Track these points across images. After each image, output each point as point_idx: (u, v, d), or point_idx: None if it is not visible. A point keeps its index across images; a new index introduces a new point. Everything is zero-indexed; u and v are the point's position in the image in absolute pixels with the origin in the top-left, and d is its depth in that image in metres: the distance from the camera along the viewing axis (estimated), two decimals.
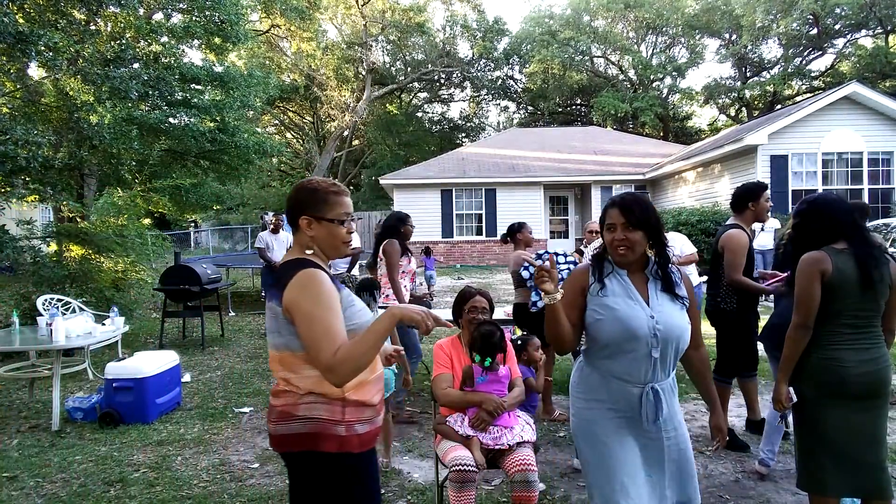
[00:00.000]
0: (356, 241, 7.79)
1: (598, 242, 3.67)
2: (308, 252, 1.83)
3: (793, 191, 13.06)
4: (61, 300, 6.76)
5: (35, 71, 10.11)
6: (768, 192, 3.96)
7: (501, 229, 18.37)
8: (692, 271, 5.95)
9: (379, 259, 5.09)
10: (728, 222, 3.99)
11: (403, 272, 4.99)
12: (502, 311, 5.41)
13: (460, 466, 2.63)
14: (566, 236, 19.86)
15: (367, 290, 4.38)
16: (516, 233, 5.07)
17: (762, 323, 3.90)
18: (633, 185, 18.89)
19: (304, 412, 1.73)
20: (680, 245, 5.92)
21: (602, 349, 2.02)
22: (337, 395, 1.73)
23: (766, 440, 3.56)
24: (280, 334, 1.73)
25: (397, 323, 1.71)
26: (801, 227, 2.57)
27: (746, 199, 3.92)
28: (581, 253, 5.77)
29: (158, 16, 11.35)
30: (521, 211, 18.69)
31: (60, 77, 8.62)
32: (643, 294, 2.03)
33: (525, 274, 4.60)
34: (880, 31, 26.01)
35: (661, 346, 1.95)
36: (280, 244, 8.64)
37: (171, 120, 10.58)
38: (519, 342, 3.53)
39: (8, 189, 7.86)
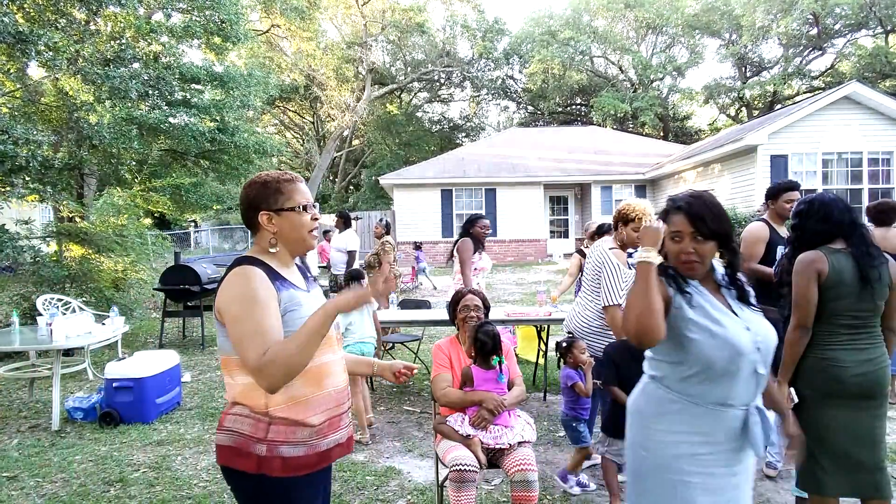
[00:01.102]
0: (354, 242, 7.82)
1: (606, 243, 3.58)
2: (272, 251, 1.69)
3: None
4: (61, 300, 6.76)
5: (35, 71, 10.11)
6: (794, 193, 3.83)
7: (501, 229, 18.44)
8: None
9: (453, 257, 5.52)
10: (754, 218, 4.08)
11: (476, 269, 5.31)
12: (502, 312, 5.41)
13: (460, 466, 2.63)
14: (566, 236, 19.87)
15: (355, 279, 5.01)
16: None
17: None
18: (633, 184, 18.89)
19: (229, 423, 1.62)
20: None
21: (693, 373, 1.72)
22: (260, 410, 1.58)
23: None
24: (222, 336, 1.62)
25: (336, 314, 1.58)
26: (800, 228, 2.57)
27: (768, 197, 3.97)
28: (582, 253, 5.77)
29: (158, 16, 11.34)
30: (520, 211, 18.70)
31: (60, 77, 8.61)
32: (724, 303, 1.79)
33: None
34: (880, 31, 26.00)
35: (763, 360, 1.72)
36: None
37: (170, 120, 10.57)
38: (564, 344, 3.46)
39: (7, 189, 7.86)
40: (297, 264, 1.83)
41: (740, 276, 1.85)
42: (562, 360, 3.49)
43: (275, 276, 1.62)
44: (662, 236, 1.73)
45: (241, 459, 1.58)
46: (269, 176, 1.71)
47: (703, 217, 1.74)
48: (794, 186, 3.91)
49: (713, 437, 1.71)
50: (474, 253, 5.33)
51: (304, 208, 1.69)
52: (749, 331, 1.71)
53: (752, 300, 1.82)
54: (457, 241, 5.49)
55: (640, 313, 1.65)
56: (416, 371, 2.04)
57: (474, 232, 5.41)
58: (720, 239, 1.77)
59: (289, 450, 1.58)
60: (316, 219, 1.73)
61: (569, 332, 3.56)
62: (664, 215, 1.84)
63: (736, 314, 1.76)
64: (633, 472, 1.86)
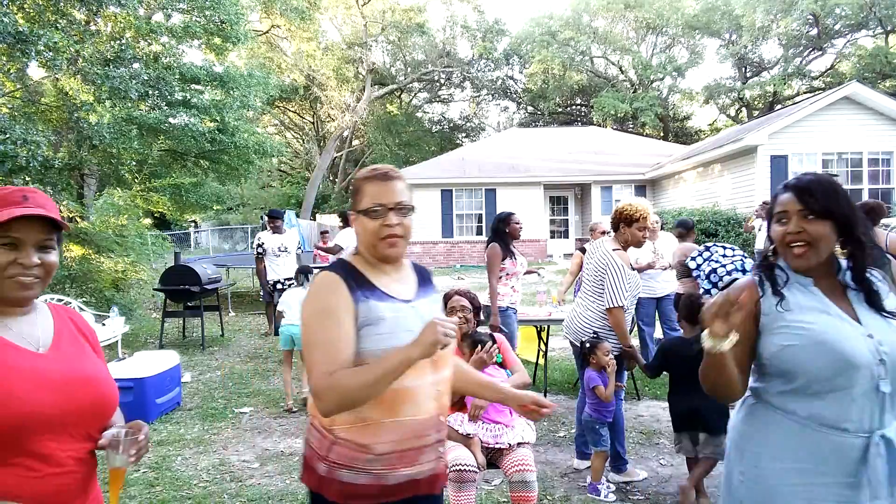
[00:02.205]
0: (345, 241, 7.79)
1: (608, 244, 3.53)
2: (364, 253, 1.55)
3: None
4: (61, 300, 6.75)
5: (35, 71, 10.11)
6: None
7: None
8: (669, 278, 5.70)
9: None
10: None
11: (508, 274, 4.95)
12: None
13: (460, 466, 2.63)
14: (566, 236, 19.87)
15: (304, 273, 5.29)
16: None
17: None
18: (633, 184, 18.88)
19: (307, 432, 1.54)
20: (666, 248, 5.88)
21: (797, 387, 1.46)
22: (325, 425, 1.46)
23: None
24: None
25: (417, 360, 1.37)
26: None
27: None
28: (584, 251, 5.77)
29: (158, 16, 11.35)
30: (521, 211, 18.61)
31: (60, 77, 8.62)
32: (845, 308, 1.50)
33: (692, 265, 4.59)
34: (880, 31, 26.01)
35: (890, 377, 1.41)
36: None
37: (170, 120, 10.58)
38: (588, 345, 3.40)
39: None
40: (416, 268, 1.67)
41: (872, 274, 1.54)
42: (583, 361, 3.46)
43: (360, 285, 1.46)
44: (734, 311, 1.41)
45: (306, 473, 1.50)
46: (363, 171, 1.56)
47: (811, 191, 1.48)
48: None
49: (822, 468, 1.43)
50: (504, 259, 4.93)
51: (376, 213, 1.47)
52: (871, 339, 1.43)
53: (888, 305, 1.51)
54: (489, 242, 5.11)
55: (716, 387, 1.53)
56: (550, 410, 1.68)
57: (510, 230, 5.02)
58: (837, 221, 1.48)
59: (349, 475, 1.42)
60: (388, 225, 1.48)
61: (594, 334, 3.46)
62: (773, 201, 1.58)
63: (858, 321, 1.47)
64: (728, 499, 1.63)
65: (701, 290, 4.51)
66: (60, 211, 9.43)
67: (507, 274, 4.95)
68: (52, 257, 1.29)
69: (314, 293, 1.47)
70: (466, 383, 1.78)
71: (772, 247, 1.59)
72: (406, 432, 1.44)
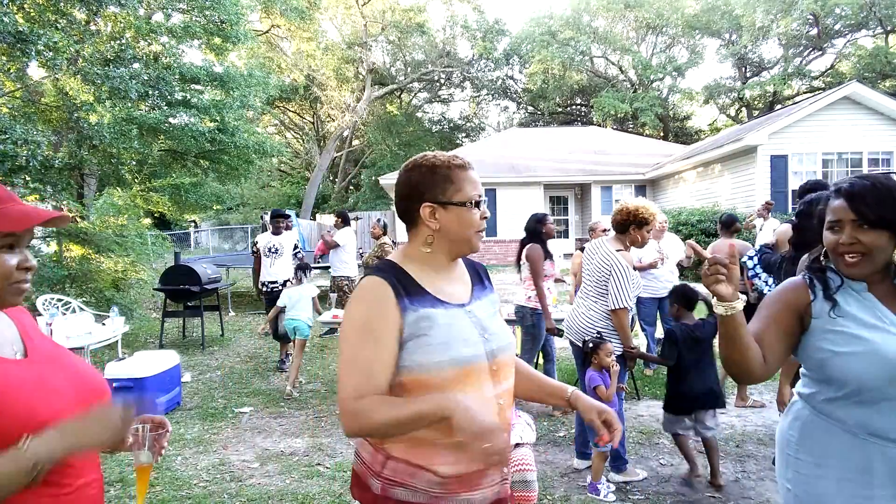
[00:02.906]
0: (344, 239, 7.79)
1: (611, 244, 3.54)
2: (426, 251, 1.42)
3: (793, 191, 13.04)
4: (61, 300, 6.76)
5: (35, 71, 10.12)
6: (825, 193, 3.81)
7: (501, 229, 18.42)
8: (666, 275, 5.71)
9: (521, 263, 4.97)
10: None
11: (546, 276, 4.85)
12: (504, 312, 5.39)
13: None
14: (566, 236, 19.87)
15: (302, 270, 5.57)
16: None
17: None
18: (633, 184, 18.89)
19: (358, 445, 1.42)
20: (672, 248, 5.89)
21: (846, 394, 1.42)
22: (377, 441, 1.35)
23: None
24: None
25: (445, 417, 1.23)
26: (801, 228, 2.57)
27: (800, 196, 4.00)
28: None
29: (158, 16, 11.35)
30: (521, 211, 18.68)
31: (60, 77, 8.62)
32: None
33: (749, 263, 4.60)
34: (880, 31, 26.02)
35: None
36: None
37: (170, 120, 10.59)
38: (591, 345, 3.40)
39: (8, 189, 7.86)
40: (471, 265, 1.55)
41: None
42: (585, 361, 3.48)
43: (409, 291, 1.34)
44: (728, 280, 1.41)
45: (358, 490, 1.38)
46: (438, 159, 1.42)
47: (865, 199, 1.40)
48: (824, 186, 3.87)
49: (871, 479, 1.37)
50: (545, 260, 4.80)
51: (477, 204, 1.40)
52: None
53: None
54: (524, 242, 4.96)
55: (732, 362, 1.47)
56: (614, 435, 1.42)
57: (546, 230, 4.90)
58: (894, 229, 1.40)
59: (405, 494, 1.30)
60: (485, 217, 1.44)
61: (597, 334, 3.47)
62: (824, 205, 1.52)
63: None
64: None
65: (756, 289, 4.55)
66: (61, 211, 9.44)
67: (546, 275, 4.85)
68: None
69: (357, 301, 1.34)
70: (530, 388, 1.59)
71: (823, 251, 1.53)
72: (465, 455, 1.26)
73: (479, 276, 1.53)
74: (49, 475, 1.04)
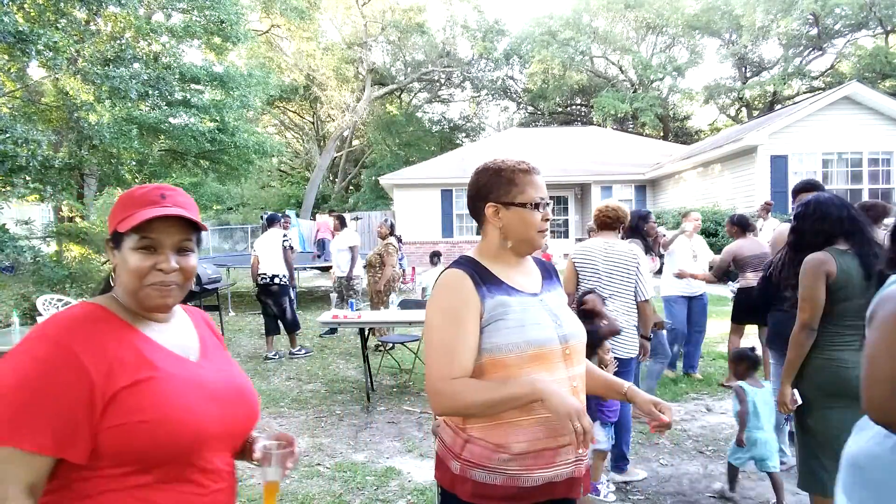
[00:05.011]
0: (355, 239, 7.81)
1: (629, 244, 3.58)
2: (494, 246, 1.54)
3: (792, 191, 13.05)
4: (61, 300, 6.75)
5: (35, 71, 10.12)
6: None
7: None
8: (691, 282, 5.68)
9: None
10: None
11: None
12: None
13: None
14: (566, 236, 19.86)
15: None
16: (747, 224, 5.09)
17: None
18: (633, 184, 18.88)
19: (441, 429, 1.52)
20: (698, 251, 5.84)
21: None
22: (458, 423, 1.45)
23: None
24: None
25: (547, 405, 1.33)
26: (799, 230, 2.57)
27: (794, 195, 4.05)
28: None
29: (158, 16, 11.35)
30: None
31: (60, 77, 8.62)
32: None
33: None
34: (880, 31, 26.02)
35: None
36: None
37: (170, 120, 10.59)
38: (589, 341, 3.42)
39: (8, 188, 7.87)
40: (540, 262, 1.66)
41: None
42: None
43: (486, 281, 1.47)
44: None
45: (439, 471, 1.49)
46: (505, 164, 1.54)
47: None
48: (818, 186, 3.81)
49: None
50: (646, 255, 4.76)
51: (537, 206, 1.50)
52: None
53: None
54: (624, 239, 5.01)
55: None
56: (664, 428, 1.51)
57: (648, 229, 4.78)
58: None
59: (482, 475, 1.39)
60: (547, 219, 1.52)
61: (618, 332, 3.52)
62: None
63: None
64: None
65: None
66: (61, 210, 9.46)
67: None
68: (192, 261, 1.17)
69: (439, 291, 1.47)
70: (590, 382, 1.65)
71: None
72: (542, 431, 1.39)
73: (548, 272, 1.65)
74: (193, 474, 1.09)
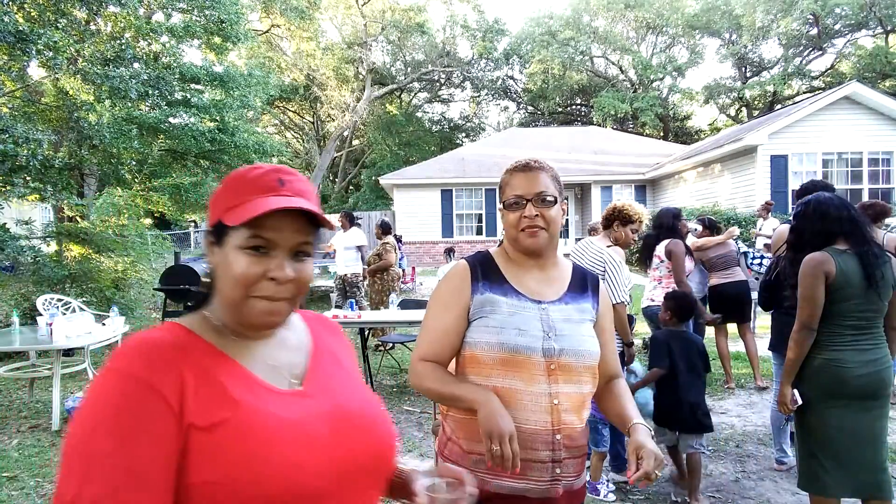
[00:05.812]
0: (362, 238, 7.80)
1: (600, 241, 3.54)
2: (507, 246, 1.57)
3: (793, 191, 13.04)
4: (61, 300, 6.75)
5: (35, 71, 10.12)
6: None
7: (501, 229, 18.44)
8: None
9: (658, 259, 4.75)
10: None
11: (686, 272, 4.66)
12: None
13: None
14: (566, 236, 19.86)
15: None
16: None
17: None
18: (633, 184, 18.88)
19: (439, 428, 1.59)
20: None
21: None
22: (444, 409, 1.54)
23: (775, 441, 3.70)
24: None
25: (474, 408, 1.33)
26: (799, 230, 2.57)
27: (799, 196, 4.10)
28: None
29: (158, 16, 11.35)
30: None
31: (60, 77, 8.62)
32: None
33: (757, 254, 4.71)
34: (880, 31, 26.02)
35: None
36: None
37: (170, 120, 10.59)
38: None
39: (8, 188, 7.86)
40: (581, 272, 1.59)
41: None
42: None
43: (488, 277, 1.47)
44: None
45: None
46: (508, 167, 1.55)
47: None
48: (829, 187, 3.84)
49: None
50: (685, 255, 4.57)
51: (513, 205, 1.47)
52: None
53: None
54: (654, 238, 4.74)
55: None
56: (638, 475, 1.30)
57: (681, 227, 4.72)
58: None
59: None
60: (527, 216, 1.45)
61: None
62: None
63: None
64: None
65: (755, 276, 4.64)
66: (61, 210, 9.44)
67: (686, 272, 4.62)
68: (309, 268, 0.89)
69: (444, 279, 1.54)
70: (610, 408, 1.55)
71: None
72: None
73: (583, 286, 1.56)
74: None
